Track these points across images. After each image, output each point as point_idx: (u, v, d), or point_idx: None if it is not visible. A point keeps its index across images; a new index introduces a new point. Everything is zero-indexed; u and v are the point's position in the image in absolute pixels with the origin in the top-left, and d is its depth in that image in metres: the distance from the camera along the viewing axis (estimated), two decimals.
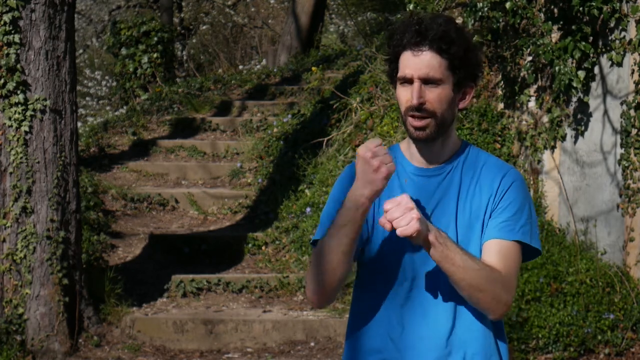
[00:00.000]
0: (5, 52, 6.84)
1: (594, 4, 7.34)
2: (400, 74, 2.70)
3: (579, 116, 7.78)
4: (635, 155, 7.12)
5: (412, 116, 2.68)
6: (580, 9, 7.43)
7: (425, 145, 2.75)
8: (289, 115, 11.35)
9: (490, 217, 2.72)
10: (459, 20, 8.56)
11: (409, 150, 2.79)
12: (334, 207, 2.76)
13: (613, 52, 7.37)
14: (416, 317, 2.72)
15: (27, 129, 6.89)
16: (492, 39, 8.36)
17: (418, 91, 2.66)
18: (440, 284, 2.71)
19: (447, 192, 2.75)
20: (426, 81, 2.67)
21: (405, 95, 2.69)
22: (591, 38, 7.56)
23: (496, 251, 2.68)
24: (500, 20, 8.07)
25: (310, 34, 16.02)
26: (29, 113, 6.89)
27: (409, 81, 2.68)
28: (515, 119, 8.38)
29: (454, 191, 2.75)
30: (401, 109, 2.72)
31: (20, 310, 6.90)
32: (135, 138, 11.58)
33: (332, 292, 2.74)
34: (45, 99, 6.92)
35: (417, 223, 2.54)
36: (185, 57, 19.45)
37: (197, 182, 10.58)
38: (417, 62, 2.67)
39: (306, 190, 9.36)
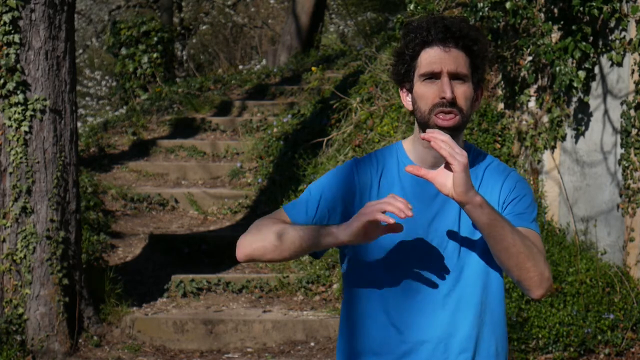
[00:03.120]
0: (5, 52, 6.84)
1: (594, 4, 7.34)
2: (426, 69, 2.65)
3: (579, 116, 7.78)
4: (635, 155, 7.11)
5: (442, 112, 2.63)
6: (581, 9, 7.43)
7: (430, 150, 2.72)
8: (289, 115, 11.35)
9: (503, 210, 2.71)
10: None
11: (413, 150, 2.75)
12: (315, 191, 2.75)
13: (613, 52, 7.37)
14: (415, 320, 2.71)
15: (26, 129, 6.89)
16: (492, 39, 8.35)
17: (450, 84, 2.63)
18: (441, 286, 2.71)
19: None
20: (454, 77, 2.64)
21: (431, 91, 2.64)
22: (591, 38, 7.56)
23: (525, 234, 2.66)
24: (501, 20, 8.07)
25: (310, 34, 16.03)
26: (28, 113, 6.89)
27: (435, 76, 2.65)
28: (515, 119, 8.37)
29: None
30: (424, 107, 2.66)
31: (20, 310, 6.90)
32: (135, 138, 11.58)
33: (258, 261, 2.74)
34: (45, 99, 6.91)
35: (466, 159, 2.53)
36: (185, 57, 19.46)
37: (197, 182, 10.58)
38: (446, 57, 2.64)
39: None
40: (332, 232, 2.60)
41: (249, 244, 2.70)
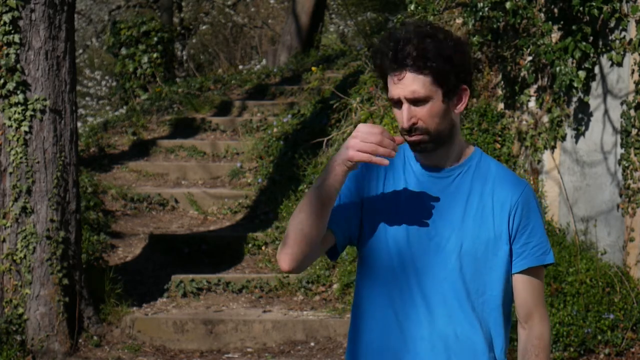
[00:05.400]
0: (5, 52, 6.84)
1: (594, 4, 7.34)
2: (389, 96, 2.72)
3: (579, 116, 7.78)
4: (635, 155, 7.11)
5: (408, 135, 2.71)
6: (581, 9, 7.43)
7: (432, 152, 2.75)
8: (289, 115, 11.36)
9: (514, 238, 2.76)
10: (459, 21, 8.56)
11: None
12: (340, 197, 2.78)
13: (613, 52, 7.36)
14: (414, 318, 2.72)
15: (27, 129, 6.89)
16: (492, 39, 8.35)
17: (407, 113, 2.68)
18: (441, 285, 2.72)
19: (454, 197, 2.75)
20: (414, 101, 2.67)
21: (399, 117, 2.71)
22: (591, 38, 7.55)
23: (532, 288, 2.78)
24: (501, 20, 8.07)
25: (310, 33, 16.03)
26: (28, 113, 6.89)
27: (398, 103, 2.70)
28: (516, 119, 8.37)
29: (461, 197, 2.75)
30: (399, 126, 2.74)
31: (20, 310, 6.90)
32: (135, 138, 11.58)
33: (297, 254, 2.68)
34: (45, 99, 6.91)
35: None
36: (185, 57, 19.46)
37: (197, 182, 10.58)
38: (401, 85, 2.67)
39: (306, 190, 9.35)
40: (323, 176, 2.66)
41: (279, 251, 2.71)
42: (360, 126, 2.61)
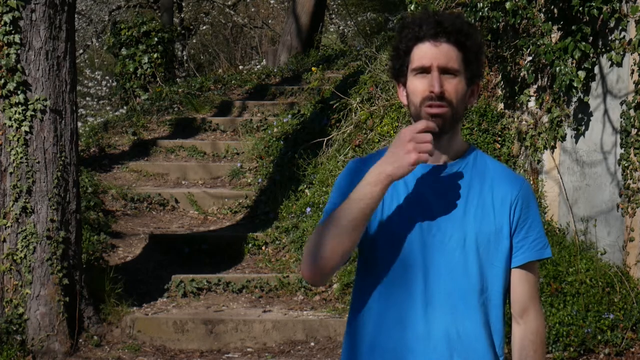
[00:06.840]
0: (6, 52, 6.85)
1: (593, 4, 7.34)
2: (416, 64, 2.69)
3: (579, 116, 7.79)
4: (635, 155, 7.12)
5: (430, 105, 2.67)
6: (580, 9, 7.44)
7: (434, 140, 2.71)
8: (289, 115, 11.37)
9: (514, 233, 2.76)
10: None
11: None
12: (338, 197, 2.74)
13: (613, 52, 7.37)
14: (416, 317, 2.71)
15: (27, 129, 6.89)
16: (492, 39, 8.36)
17: (439, 79, 2.66)
18: (443, 283, 2.71)
19: (454, 193, 2.74)
20: (444, 71, 2.67)
21: (422, 85, 2.68)
22: (591, 38, 7.56)
23: (528, 283, 2.78)
24: (500, 21, 8.08)
25: (310, 34, 16.04)
26: (29, 113, 6.89)
27: (426, 71, 2.68)
28: (515, 119, 8.38)
29: (461, 193, 2.74)
30: (415, 100, 2.69)
31: (21, 310, 6.91)
32: (135, 138, 11.59)
33: (329, 269, 2.68)
34: (45, 99, 6.92)
35: None
36: (185, 57, 19.47)
37: (197, 182, 10.59)
38: (437, 52, 2.67)
39: (306, 190, 9.36)
40: (375, 172, 2.61)
41: (305, 265, 2.69)
42: (404, 132, 2.60)
